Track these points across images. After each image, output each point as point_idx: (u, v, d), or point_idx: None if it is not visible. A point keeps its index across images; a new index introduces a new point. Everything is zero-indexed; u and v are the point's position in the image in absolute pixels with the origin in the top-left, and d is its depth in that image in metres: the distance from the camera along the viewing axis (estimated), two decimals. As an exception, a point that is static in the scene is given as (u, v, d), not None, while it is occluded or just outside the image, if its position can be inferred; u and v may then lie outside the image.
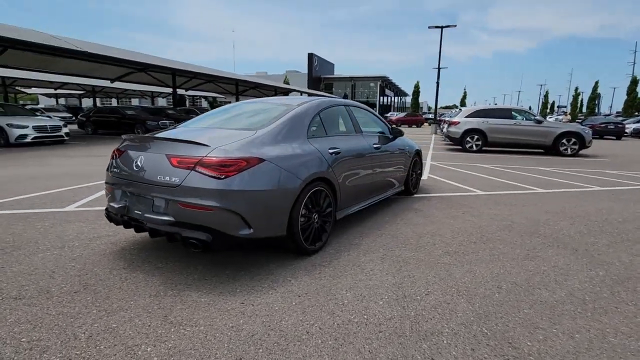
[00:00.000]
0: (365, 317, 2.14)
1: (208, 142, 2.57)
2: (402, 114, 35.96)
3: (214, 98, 47.39)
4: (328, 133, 3.53)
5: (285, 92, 39.09)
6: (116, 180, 2.86)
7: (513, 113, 11.76)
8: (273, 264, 2.86)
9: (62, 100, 47.25)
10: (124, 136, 3.03)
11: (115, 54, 17.02)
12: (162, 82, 25.09)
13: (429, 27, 23.44)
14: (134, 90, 37.95)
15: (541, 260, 3.04)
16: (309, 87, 49.98)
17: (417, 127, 34.33)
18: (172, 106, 26.49)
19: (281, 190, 2.68)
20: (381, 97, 55.32)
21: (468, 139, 11.92)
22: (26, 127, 11.64)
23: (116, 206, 2.74)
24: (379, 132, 4.62)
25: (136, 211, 2.66)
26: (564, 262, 3.00)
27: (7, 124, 11.45)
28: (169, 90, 32.96)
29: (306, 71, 51.33)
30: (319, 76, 52.65)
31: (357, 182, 3.73)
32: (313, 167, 2.98)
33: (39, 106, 33.42)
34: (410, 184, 5.26)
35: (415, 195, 5.38)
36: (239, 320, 2.07)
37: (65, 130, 12.92)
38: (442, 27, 22.83)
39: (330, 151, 3.27)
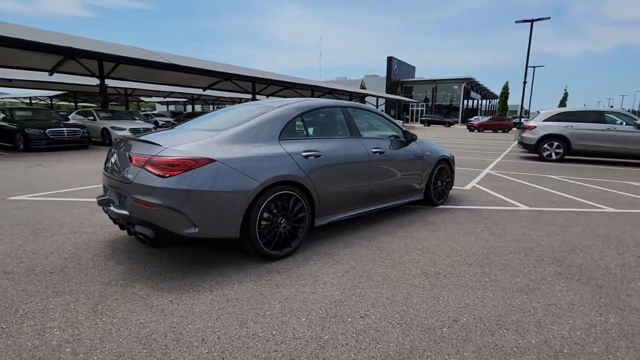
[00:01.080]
0: (274, 333, 1.98)
1: (165, 142, 2.68)
2: (485, 118, 32.89)
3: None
4: (310, 136, 3.39)
5: (361, 96, 39.02)
6: (103, 177, 3.16)
7: (607, 116, 9.85)
8: (232, 266, 2.85)
9: (171, 107, 54.32)
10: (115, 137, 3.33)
11: (200, 65, 19.05)
12: (244, 89, 27.16)
13: (516, 22, 20.97)
14: (225, 97, 41.89)
15: (540, 294, 2.46)
16: (387, 91, 49.10)
17: (504, 132, 31.03)
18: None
19: (232, 191, 2.65)
20: (465, 100, 51.47)
21: (546, 146, 10.34)
22: (124, 129, 13.69)
23: (99, 200, 3.03)
24: (390, 136, 4.30)
25: (111, 206, 2.90)
26: (569, 300, 2.38)
27: (111, 127, 13.66)
28: (251, 96, 35.66)
29: (385, 75, 50.50)
30: (398, 80, 51.28)
31: (346, 188, 3.51)
32: (277, 170, 2.88)
33: (153, 112, 39.05)
34: (433, 194, 4.76)
35: (441, 207, 4.84)
36: (152, 318, 2.10)
37: None
38: (532, 21, 20.24)
39: (305, 154, 3.13)
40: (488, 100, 65.37)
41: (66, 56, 15.81)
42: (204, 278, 2.64)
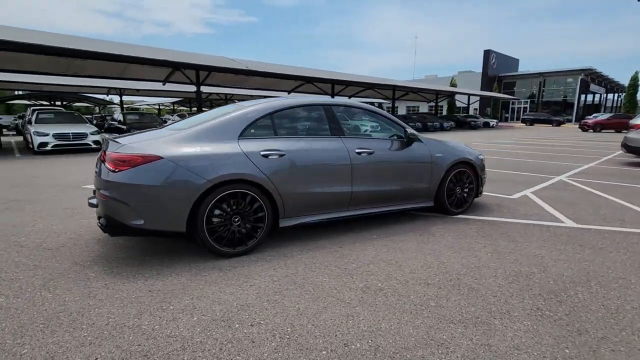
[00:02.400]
0: (155, 328, 2.01)
1: (126, 140, 2.93)
2: (605, 116, 27.38)
3: (380, 104, 48.86)
4: (279, 135, 3.32)
5: (449, 95, 36.40)
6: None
7: None
8: (186, 259, 2.96)
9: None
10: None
11: (279, 70, 20.20)
12: (324, 91, 27.86)
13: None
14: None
15: (482, 331, 1.98)
16: (482, 88, 44.78)
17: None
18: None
19: (177, 187, 2.76)
20: (583, 95, 43.64)
21: (660, 149, 8.18)
22: None
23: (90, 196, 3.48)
24: (391, 136, 3.94)
25: (92, 198, 3.28)
26: (514, 344, 1.86)
27: None
28: (337, 98, 36.34)
29: (481, 71, 46.09)
30: (497, 75, 46.18)
31: (319, 190, 3.35)
32: (228, 169, 2.90)
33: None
34: (447, 201, 4.19)
35: (458, 217, 4.24)
36: (76, 298, 2.33)
37: None
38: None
39: (265, 153, 3.08)
40: (617, 95, 54.28)
41: (174, 68, 18.65)
42: (152, 267, 2.81)
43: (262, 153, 3.08)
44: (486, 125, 32.56)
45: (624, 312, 2.17)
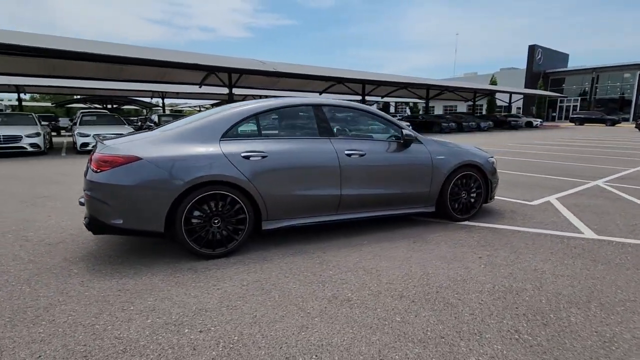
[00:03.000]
0: (108, 328, 2.02)
1: (110, 142, 3.01)
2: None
3: (415, 103, 47.66)
4: (263, 136, 3.26)
5: (487, 93, 34.64)
6: None
7: None
8: (166, 259, 2.99)
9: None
10: None
11: (307, 71, 20.30)
12: (354, 91, 27.61)
13: None
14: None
15: (445, 350, 1.78)
16: (526, 85, 42.17)
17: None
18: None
19: (155, 188, 2.79)
20: (644, 92, 39.62)
21: None
22: None
23: None
24: (389, 137, 3.76)
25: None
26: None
27: None
28: (369, 98, 36.03)
29: (525, 67, 43.42)
30: (543, 71, 43.18)
31: (305, 192, 3.25)
32: (206, 170, 2.89)
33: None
34: (451, 207, 3.92)
35: (463, 223, 3.95)
36: (48, 294, 2.41)
37: None
38: None
39: (245, 155, 3.04)
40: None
41: (209, 72, 19.49)
42: (132, 266, 2.86)
43: (242, 154, 3.04)
44: (529, 125, 30.61)
45: (619, 341, 1.87)
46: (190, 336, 1.94)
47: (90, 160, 2.98)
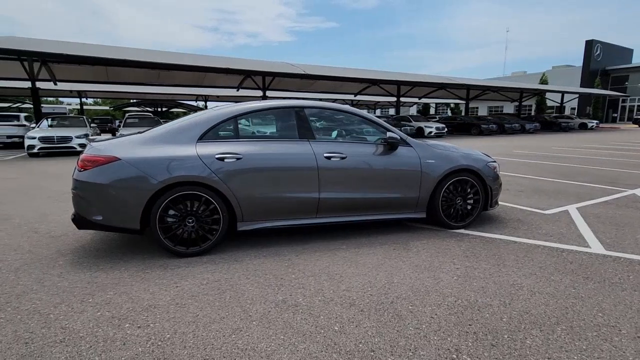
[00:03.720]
0: (53, 315, 2.15)
1: (95, 143, 3.20)
2: None
3: (456, 104, 45.83)
4: (241, 138, 3.29)
5: (536, 93, 32.39)
6: None
7: None
8: (144, 256, 3.13)
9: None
10: None
11: (339, 73, 20.32)
12: (389, 93, 27.11)
13: None
14: (375, 102, 42.97)
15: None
16: (582, 84, 38.87)
17: None
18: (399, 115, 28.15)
19: (131, 187, 2.93)
20: None
21: None
22: None
23: None
24: (376, 140, 3.64)
25: None
26: (387, 390, 1.54)
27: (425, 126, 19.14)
28: (405, 99, 35.28)
29: (581, 64, 40.01)
30: (602, 68, 39.49)
31: (281, 194, 3.24)
32: (179, 170, 2.98)
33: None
34: (443, 213, 3.71)
35: (458, 231, 3.72)
36: (26, 282, 2.62)
37: None
38: None
39: (220, 156, 3.09)
40: None
41: (245, 75, 20.32)
42: (111, 260, 3.01)
43: (217, 156, 3.10)
44: (583, 127, 28.19)
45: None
46: (127, 331, 2.00)
47: (78, 160, 3.20)
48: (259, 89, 21.40)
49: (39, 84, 15.87)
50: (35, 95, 15.81)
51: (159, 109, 41.69)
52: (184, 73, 21.27)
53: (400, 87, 25.64)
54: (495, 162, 4.01)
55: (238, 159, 3.14)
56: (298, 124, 3.45)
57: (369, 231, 3.73)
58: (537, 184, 6.24)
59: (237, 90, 26.85)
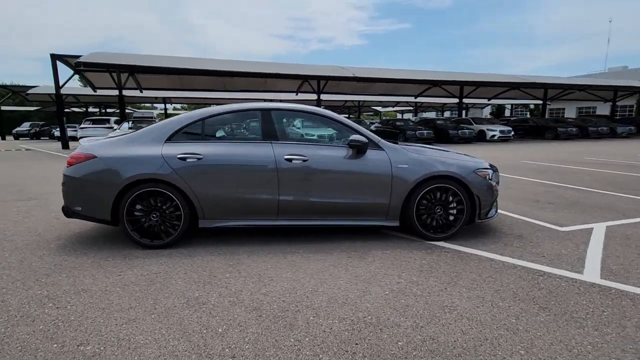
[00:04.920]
0: None
1: (85, 142, 3.59)
2: None
3: (536, 105, 41.37)
4: (206, 139, 3.42)
5: (634, 91, 27.66)
6: None
7: None
8: (118, 245, 3.42)
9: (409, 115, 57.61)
10: None
11: (395, 75, 19.85)
12: (452, 94, 25.57)
13: None
14: (443, 104, 40.74)
15: (210, 372, 1.64)
16: (703, 80, 32.13)
17: None
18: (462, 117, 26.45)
19: (102, 182, 3.24)
20: None
21: None
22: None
23: None
24: (348, 143, 3.47)
25: None
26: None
27: (487, 129, 19.25)
28: (470, 100, 33.01)
29: None
30: None
31: (240, 194, 3.30)
32: (143, 169, 3.20)
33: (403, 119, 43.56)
34: (420, 222, 3.41)
35: (434, 244, 3.39)
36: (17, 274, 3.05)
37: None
38: None
39: (182, 156, 3.25)
40: None
41: (303, 80, 21.07)
42: (91, 247, 3.35)
43: (179, 156, 3.26)
44: (698, 131, 23.36)
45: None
46: (45, 310, 2.23)
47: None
48: (314, 92, 21.87)
49: (130, 92, 18.36)
50: (121, 101, 18.21)
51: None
52: (244, 79, 22.69)
53: (464, 88, 24.05)
54: (488, 169, 3.57)
55: (199, 159, 3.27)
56: (263, 125, 3.47)
57: (338, 237, 3.59)
58: (582, 196, 5.37)
59: (297, 95, 27.81)
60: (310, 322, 2.07)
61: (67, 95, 27.42)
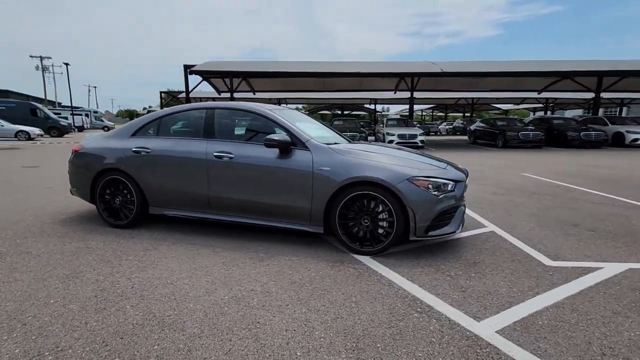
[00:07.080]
0: (-13, 247, 3.26)
1: (88, 136, 4.37)
2: None
3: None
4: (159, 135, 3.77)
5: None
6: None
7: None
8: (100, 230, 4.08)
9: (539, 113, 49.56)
10: None
11: (484, 69, 17.48)
12: (587, 88, 20.94)
13: None
14: (584, 99, 33.39)
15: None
16: None
17: None
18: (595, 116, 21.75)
19: (84, 170, 3.93)
20: None
21: None
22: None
23: None
24: (272, 142, 3.27)
25: None
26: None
27: (626, 131, 15.71)
28: (609, 95, 26.64)
29: None
30: None
31: (176, 187, 3.59)
32: (107, 159, 3.77)
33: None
34: (344, 232, 3.07)
35: (359, 257, 3.01)
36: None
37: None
38: None
39: (136, 149, 3.68)
40: None
41: (400, 78, 20.63)
42: (79, 227, 4.11)
43: (133, 149, 3.71)
44: None
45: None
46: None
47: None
48: (407, 90, 20.90)
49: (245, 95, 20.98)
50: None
51: (345, 112, 47.05)
52: (343, 79, 23.20)
53: (603, 79, 19.39)
54: (433, 178, 2.96)
55: (147, 152, 3.66)
56: (205, 123, 3.64)
57: (271, 237, 3.50)
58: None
59: (395, 93, 26.97)
60: (121, 309, 2.17)
61: (195, 98, 32.74)
